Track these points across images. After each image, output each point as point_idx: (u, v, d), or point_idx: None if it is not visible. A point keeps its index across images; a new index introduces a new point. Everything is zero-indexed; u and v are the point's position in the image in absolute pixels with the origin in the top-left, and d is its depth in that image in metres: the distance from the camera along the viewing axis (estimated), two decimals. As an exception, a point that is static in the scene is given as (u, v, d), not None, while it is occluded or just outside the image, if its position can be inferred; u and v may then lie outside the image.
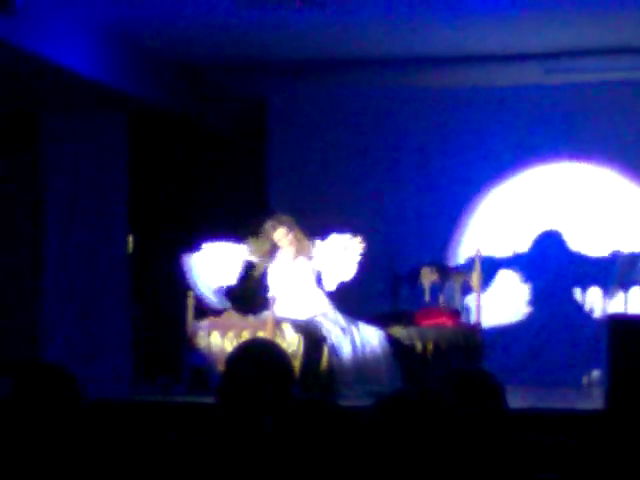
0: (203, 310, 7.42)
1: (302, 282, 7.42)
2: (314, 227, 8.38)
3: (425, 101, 9.17)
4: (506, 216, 9.03)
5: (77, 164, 8.75)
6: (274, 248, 7.49)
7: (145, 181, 9.08)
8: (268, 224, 7.46)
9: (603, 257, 8.79)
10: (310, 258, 7.42)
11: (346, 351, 7.07)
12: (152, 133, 9.08)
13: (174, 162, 9.33)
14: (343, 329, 7.18)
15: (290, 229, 7.42)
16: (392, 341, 7.34)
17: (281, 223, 7.43)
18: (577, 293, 8.83)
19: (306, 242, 7.43)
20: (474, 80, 8.94)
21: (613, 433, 2.81)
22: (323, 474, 2.55)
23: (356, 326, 7.29)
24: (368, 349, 7.20)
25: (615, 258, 8.74)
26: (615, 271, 8.72)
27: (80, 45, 7.44)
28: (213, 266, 7.50)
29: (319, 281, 7.44)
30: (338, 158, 9.16)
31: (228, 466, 2.67)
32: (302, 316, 7.26)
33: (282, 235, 7.42)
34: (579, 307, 8.79)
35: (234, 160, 9.45)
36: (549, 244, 8.92)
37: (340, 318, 7.31)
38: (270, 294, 7.31)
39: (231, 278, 7.51)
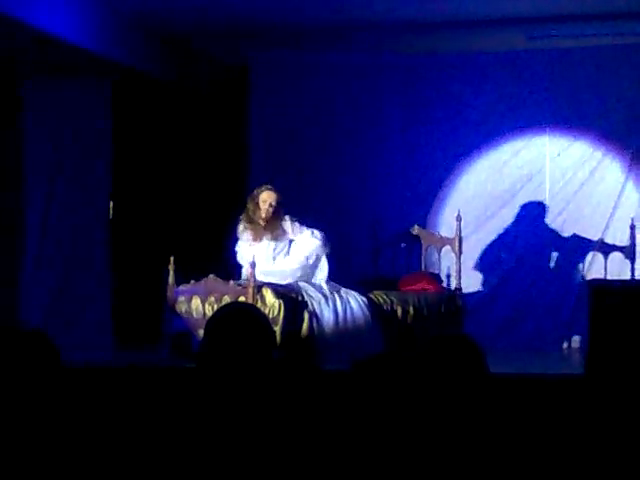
0: (184, 275, 7.41)
1: (274, 258, 7.43)
2: (296, 194, 8.38)
3: (408, 67, 9.14)
4: (488, 183, 9.04)
5: (60, 130, 8.69)
6: (246, 218, 7.44)
7: (128, 147, 9.04)
8: (262, 186, 7.46)
9: (583, 224, 8.82)
10: (279, 238, 7.42)
11: (327, 316, 7.08)
12: (135, 99, 9.03)
13: (157, 128, 9.28)
14: (324, 294, 7.18)
15: (277, 199, 7.40)
16: (374, 306, 7.35)
17: (274, 190, 7.43)
18: (558, 259, 8.86)
19: (280, 223, 7.43)
20: (457, 46, 8.91)
21: (591, 398, 2.83)
22: (304, 436, 2.56)
23: (338, 291, 7.30)
24: (349, 314, 7.20)
25: (594, 224, 8.78)
26: (595, 236, 8.76)
27: (62, 11, 7.38)
28: None
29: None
30: (320, 125, 9.13)
31: (209, 431, 2.67)
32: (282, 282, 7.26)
33: (272, 199, 7.38)
34: (559, 273, 8.83)
35: (216, 126, 9.41)
36: (531, 211, 8.94)
37: (322, 283, 7.32)
38: (245, 259, 7.34)
39: None
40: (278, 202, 7.42)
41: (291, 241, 7.53)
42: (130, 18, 8.16)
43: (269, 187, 7.48)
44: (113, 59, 8.12)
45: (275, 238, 7.43)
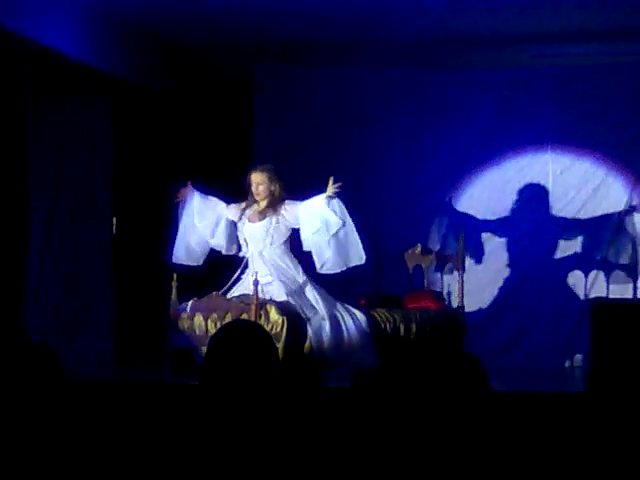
0: (187, 292, 7.41)
1: (272, 244, 7.30)
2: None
3: (412, 83, 9.16)
4: (490, 200, 9.05)
5: (62, 145, 8.71)
6: (248, 199, 7.34)
7: (130, 162, 9.05)
8: (252, 169, 7.38)
9: (585, 243, 8.83)
10: (279, 217, 7.25)
11: (329, 333, 7.06)
12: (138, 114, 9.05)
13: (160, 143, 9.30)
14: (326, 311, 7.15)
15: (270, 179, 7.28)
16: (375, 323, 7.34)
17: (263, 170, 7.34)
18: (560, 277, 8.86)
19: (280, 199, 7.27)
20: (461, 63, 8.94)
21: (593, 416, 2.83)
22: (307, 454, 2.56)
23: (338, 308, 7.27)
24: (350, 331, 7.19)
25: (596, 243, 8.78)
26: (597, 255, 8.75)
27: (66, 26, 7.41)
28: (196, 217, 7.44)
29: (293, 247, 7.38)
30: (324, 140, 9.13)
31: (211, 447, 2.68)
32: (275, 286, 7.17)
33: (260, 180, 7.28)
34: (562, 291, 8.82)
35: (220, 141, 9.42)
36: (533, 228, 8.94)
37: (318, 297, 7.21)
38: (242, 253, 7.30)
39: (209, 233, 7.44)
40: (271, 182, 7.28)
41: (294, 229, 7.31)
42: (132, 32, 8.19)
43: (257, 168, 7.38)
44: (115, 73, 8.15)
45: (277, 220, 7.26)
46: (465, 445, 2.58)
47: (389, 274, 8.49)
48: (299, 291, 7.19)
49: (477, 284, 8.70)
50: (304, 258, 7.41)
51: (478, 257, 8.85)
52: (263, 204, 7.34)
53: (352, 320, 7.22)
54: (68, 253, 8.66)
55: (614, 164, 8.81)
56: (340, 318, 7.19)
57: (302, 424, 2.66)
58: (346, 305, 7.35)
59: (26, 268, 8.66)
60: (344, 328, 7.16)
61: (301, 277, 7.26)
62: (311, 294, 7.22)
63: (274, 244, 7.29)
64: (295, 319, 6.94)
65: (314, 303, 7.17)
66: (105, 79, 8.14)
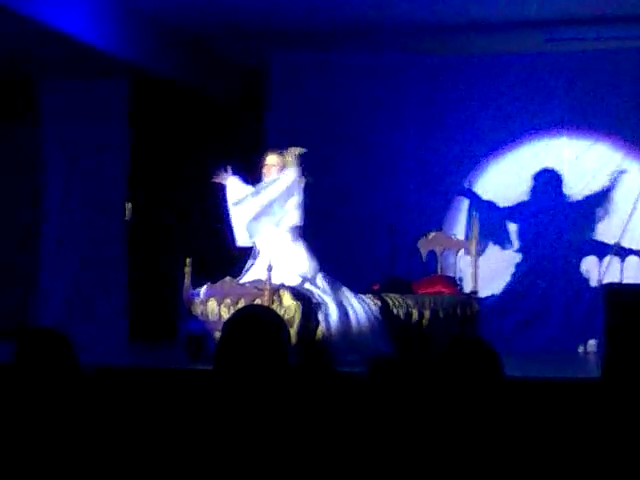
0: (201, 277, 7.41)
1: (281, 232, 7.28)
2: (313, 197, 8.38)
3: (425, 69, 9.14)
4: (506, 186, 9.03)
5: (77, 132, 8.73)
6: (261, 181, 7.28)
7: (145, 148, 9.07)
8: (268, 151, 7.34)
9: (600, 228, 8.80)
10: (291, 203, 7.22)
11: (342, 319, 7.04)
12: (153, 101, 9.06)
13: (174, 129, 9.31)
14: (334, 298, 7.09)
15: (284, 162, 7.25)
16: (388, 309, 7.32)
17: (280, 152, 7.29)
18: (574, 263, 8.84)
19: (294, 185, 7.24)
20: (475, 48, 8.92)
21: (608, 402, 2.82)
22: (320, 438, 2.57)
23: (347, 295, 7.22)
24: (360, 318, 7.15)
25: (611, 228, 8.76)
26: (611, 240, 8.74)
27: (81, 11, 7.42)
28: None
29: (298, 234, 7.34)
30: (337, 128, 9.12)
31: (225, 432, 2.68)
32: (286, 274, 7.13)
33: (273, 162, 7.25)
34: (576, 277, 8.80)
35: (234, 128, 9.43)
36: (548, 214, 8.92)
37: (326, 284, 7.18)
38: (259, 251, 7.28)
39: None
40: (285, 165, 7.22)
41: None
42: (148, 19, 8.19)
43: (275, 150, 7.32)
44: (130, 60, 8.15)
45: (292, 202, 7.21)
46: (478, 431, 2.58)
47: (403, 260, 8.49)
48: (308, 277, 7.18)
49: (491, 269, 8.68)
50: (315, 246, 7.39)
51: (492, 242, 8.83)
52: None
53: (362, 307, 7.19)
54: (83, 238, 8.68)
55: (630, 149, 8.78)
56: (348, 305, 7.15)
57: (315, 409, 2.66)
58: (356, 293, 7.30)
59: (40, 254, 8.70)
60: (352, 315, 7.13)
61: (311, 263, 7.23)
62: (320, 281, 7.20)
63: (282, 228, 7.27)
64: (308, 304, 6.93)
65: (322, 290, 7.15)
66: (122, 65, 8.15)
